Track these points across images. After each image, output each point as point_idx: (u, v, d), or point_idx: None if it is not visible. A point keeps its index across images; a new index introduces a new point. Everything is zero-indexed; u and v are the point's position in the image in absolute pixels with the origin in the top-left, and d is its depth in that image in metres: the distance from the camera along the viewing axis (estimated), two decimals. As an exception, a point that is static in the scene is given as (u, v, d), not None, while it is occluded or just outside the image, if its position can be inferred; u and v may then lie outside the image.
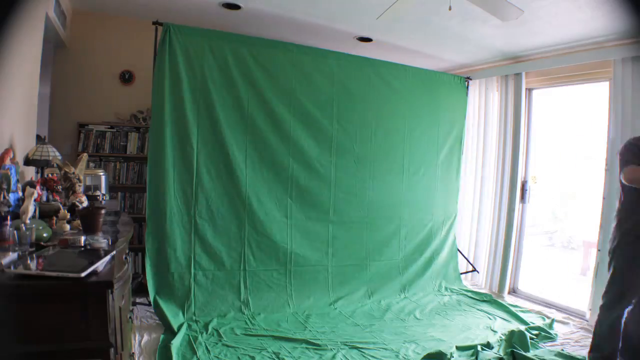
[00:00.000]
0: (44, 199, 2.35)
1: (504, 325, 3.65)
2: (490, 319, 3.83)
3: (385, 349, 3.12)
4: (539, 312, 4.03)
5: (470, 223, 5.16)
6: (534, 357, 3.00)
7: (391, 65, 4.42)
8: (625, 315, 2.73)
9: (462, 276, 5.03)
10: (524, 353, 3.03)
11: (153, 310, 3.43)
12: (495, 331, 3.54)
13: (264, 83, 3.78)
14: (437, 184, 4.71)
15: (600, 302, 2.82)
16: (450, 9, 2.81)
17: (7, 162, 2.07)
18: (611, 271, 2.75)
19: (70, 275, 1.40)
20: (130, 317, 2.24)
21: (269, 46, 3.85)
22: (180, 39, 3.48)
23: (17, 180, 2.13)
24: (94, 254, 1.63)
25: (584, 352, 3.22)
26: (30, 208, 1.83)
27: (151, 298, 3.39)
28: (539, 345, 3.29)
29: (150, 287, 3.42)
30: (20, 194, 2.07)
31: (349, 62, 4.20)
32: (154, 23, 3.48)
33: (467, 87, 4.89)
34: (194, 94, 3.52)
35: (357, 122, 4.22)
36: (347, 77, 4.17)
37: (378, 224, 4.35)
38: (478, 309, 4.06)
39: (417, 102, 4.52)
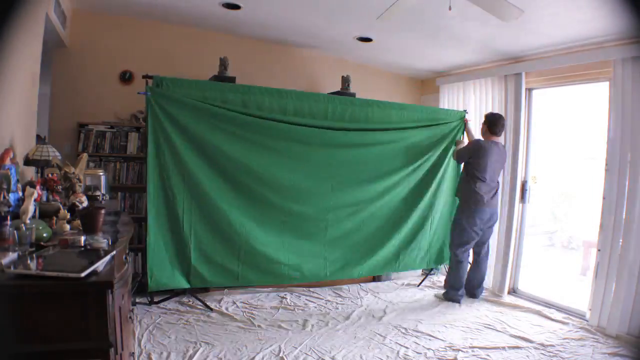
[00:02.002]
0: (44, 199, 2.35)
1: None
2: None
3: None
4: (538, 312, 4.03)
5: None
6: None
7: (387, 105, 4.38)
8: None
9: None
10: None
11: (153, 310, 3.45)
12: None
13: (258, 131, 3.78)
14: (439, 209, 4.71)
15: None
16: (450, 9, 2.81)
17: (7, 162, 2.07)
18: None
19: (70, 275, 1.40)
20: (130, 317, 2.23)
21: (259, 93, 3.82)
22: (171, 91, 3.53)
23: (17, 180, 2.13)
24: (94, 254, 1.63)
25: (583, 351, 3.23)
26: (30, 208, 1.83)
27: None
28: None
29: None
30: (20, 194, 2.07)
31: (342, 104, 4.14)
32: (144, 77, 3.55)
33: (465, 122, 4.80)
34: (186, 139, 3.56)
35: (353, 169, 4.19)
36: (341, 121, 4.11)
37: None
38: None
39: (415, 143, 4.47)
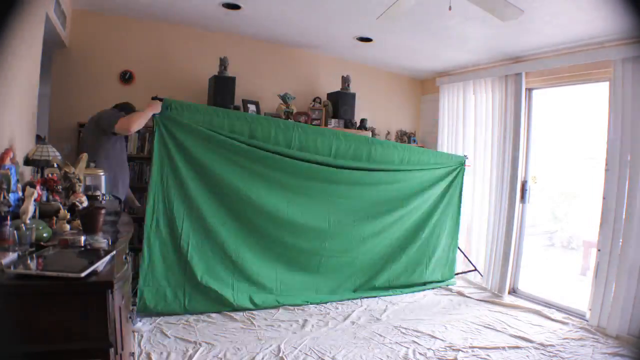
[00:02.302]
0: (44, 199, 2.35)
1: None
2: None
3: None
4: (538, 312, 4.03)
5: (470, 223, 5.17)
6: None
7: (390, 144, 4.46)
8: None
9: (463, 276, 5.04)
10: None
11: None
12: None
13: (262, 162, 3.79)
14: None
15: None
16: (450, 9, 2.82)
17: (7, 162, 2.07)
18: None
19: (70, 275, 1.40)
20: (130, 317, 2.24)
21: (267, 123, 3.84)
22: (179, 115, 3.49)
23: (17, 180, 2.13)
24: (94, 254, 1.63)
25: (583, 351, 3.23)
26: (30, 208, 1.83)
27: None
28: None
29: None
30: (20, 194, 2.07)
31: (347, 141, 4.16)
32: (153, 99, 3.48)
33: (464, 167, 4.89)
34: (190, 165, 3.55)
35: (350, 206, 4.22)
36: (344, 159, 4.14)
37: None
38: None
39: (414, 185, 4.52)
